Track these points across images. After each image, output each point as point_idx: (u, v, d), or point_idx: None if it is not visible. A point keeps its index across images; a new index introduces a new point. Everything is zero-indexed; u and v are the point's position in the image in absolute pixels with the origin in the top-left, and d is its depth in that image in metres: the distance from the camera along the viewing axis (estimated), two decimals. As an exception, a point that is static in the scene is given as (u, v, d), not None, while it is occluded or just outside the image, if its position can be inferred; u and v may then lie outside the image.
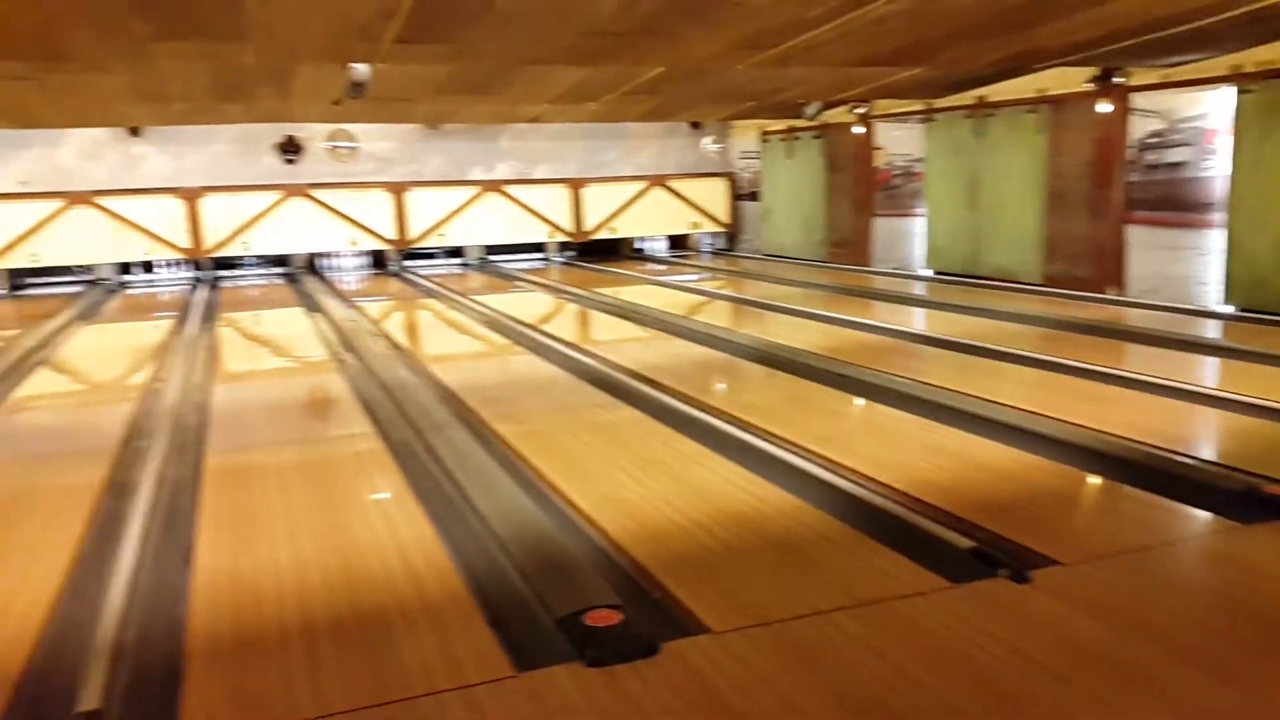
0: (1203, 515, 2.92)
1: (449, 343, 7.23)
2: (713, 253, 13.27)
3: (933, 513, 2.90)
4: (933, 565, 2.51)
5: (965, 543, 2.60)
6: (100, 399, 5.46)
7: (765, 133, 12.37)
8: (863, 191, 10.84)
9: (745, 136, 12.90)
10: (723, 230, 13.30)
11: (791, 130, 11.71)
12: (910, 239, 11.14)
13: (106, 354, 7.14)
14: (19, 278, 10.72)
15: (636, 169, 12.71)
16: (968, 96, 8.88)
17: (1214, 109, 11.04)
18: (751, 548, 2.73)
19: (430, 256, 12.40)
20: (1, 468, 3.94)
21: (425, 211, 11.83)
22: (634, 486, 3.27)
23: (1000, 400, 4.24)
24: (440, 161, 11.85)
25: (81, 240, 10.55)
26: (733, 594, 2.41)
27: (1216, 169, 10.62)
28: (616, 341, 6.81)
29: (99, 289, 10.63)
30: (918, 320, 7.43)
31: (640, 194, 12.70)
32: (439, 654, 2.13)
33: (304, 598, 2.48)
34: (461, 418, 4.37)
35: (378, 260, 12.12)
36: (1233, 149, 6.80)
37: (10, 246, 10.30)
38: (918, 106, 9.67)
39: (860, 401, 4.61)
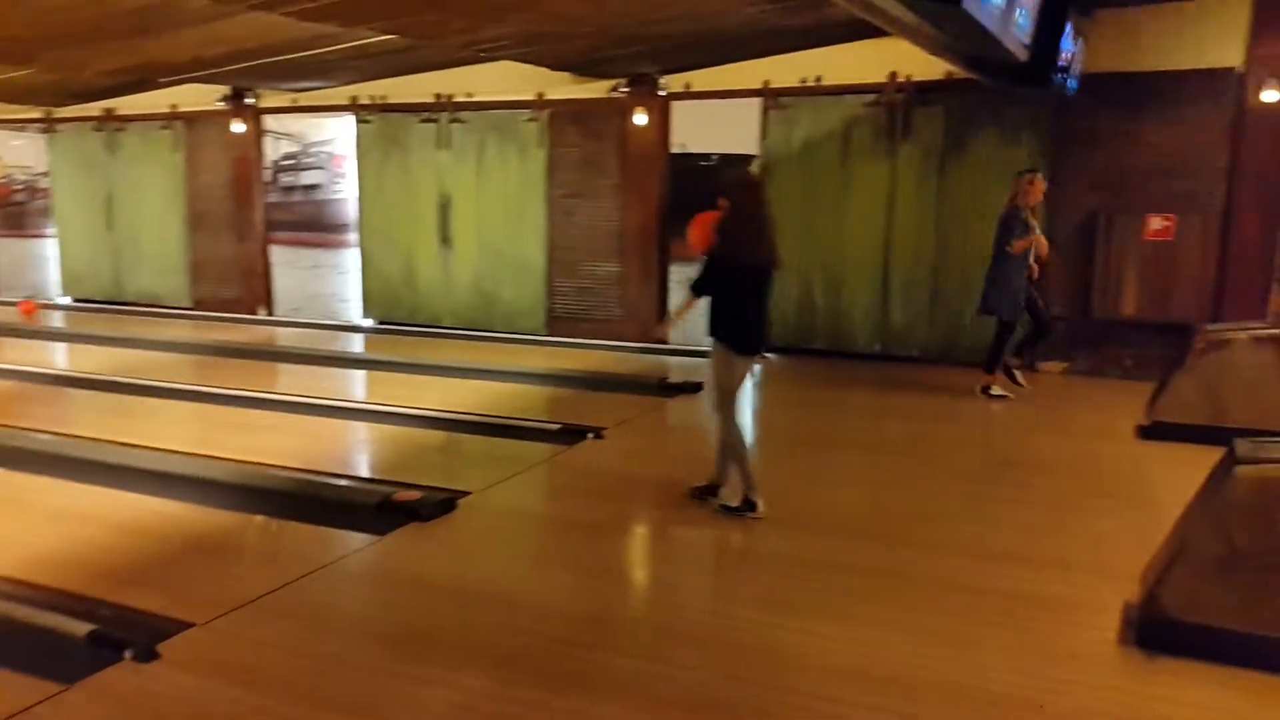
0: (346, 533, 2.96)
1: None
2: None
3: (50, 597, 2.43)
4: (47, 667, 2.07)
5: (84, 628, 2.19)
6: None
7: None
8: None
9: None
10: None
11: None
12: (44, 263, 9.84)
13: None
14: None
15: None
16: (94, 107, 8.06)
17: (340, 134, 11.90)
18: None
19: None
20: None
21: None
22: None
23: (147, 443, 3.85)
24: None
25: None
26: None
27: (346, 191, 11.47)
28: None
29: None
30: (53, 357, 6.50)
31: None
32: None
33: None
34: None
35: None
36: (358, 174, 7.36)
37: None
38: (38, 114, 8.47)
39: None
